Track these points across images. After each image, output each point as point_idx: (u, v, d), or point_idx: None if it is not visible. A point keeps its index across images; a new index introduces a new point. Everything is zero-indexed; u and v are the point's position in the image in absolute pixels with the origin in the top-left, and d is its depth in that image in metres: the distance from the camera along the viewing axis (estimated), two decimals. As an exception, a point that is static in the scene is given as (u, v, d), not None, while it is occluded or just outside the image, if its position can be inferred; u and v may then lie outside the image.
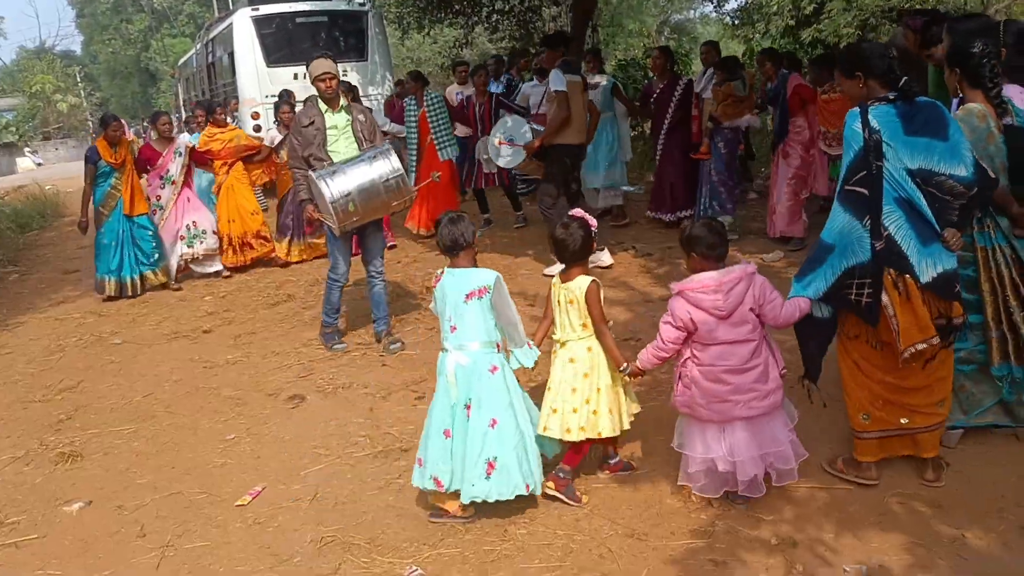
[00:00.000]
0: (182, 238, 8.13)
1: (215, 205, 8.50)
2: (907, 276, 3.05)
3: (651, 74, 10.23)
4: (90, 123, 48.89)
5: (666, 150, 8.08)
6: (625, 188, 8.88)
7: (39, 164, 39.27)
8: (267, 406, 4.92)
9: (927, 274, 3.05)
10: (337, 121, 5.45)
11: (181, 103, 21.81)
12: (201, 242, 8.21)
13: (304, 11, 14.51)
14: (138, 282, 7.92)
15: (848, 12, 12.74)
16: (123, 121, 7.96)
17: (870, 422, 3.30)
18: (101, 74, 58.49)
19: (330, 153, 5.42)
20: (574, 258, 3.43)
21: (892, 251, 3.05)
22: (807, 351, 3.39)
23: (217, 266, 8.41)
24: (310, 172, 5.30)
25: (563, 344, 3.45)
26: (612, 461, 3.67)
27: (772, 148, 7.44)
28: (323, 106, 5.43)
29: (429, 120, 8.55)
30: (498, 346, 3.44)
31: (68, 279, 9.37)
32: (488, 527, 3.37)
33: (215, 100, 14.78)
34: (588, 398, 3.39)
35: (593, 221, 3.48)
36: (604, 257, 7.11)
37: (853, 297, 3.12)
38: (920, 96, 3.14)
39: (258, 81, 13.15)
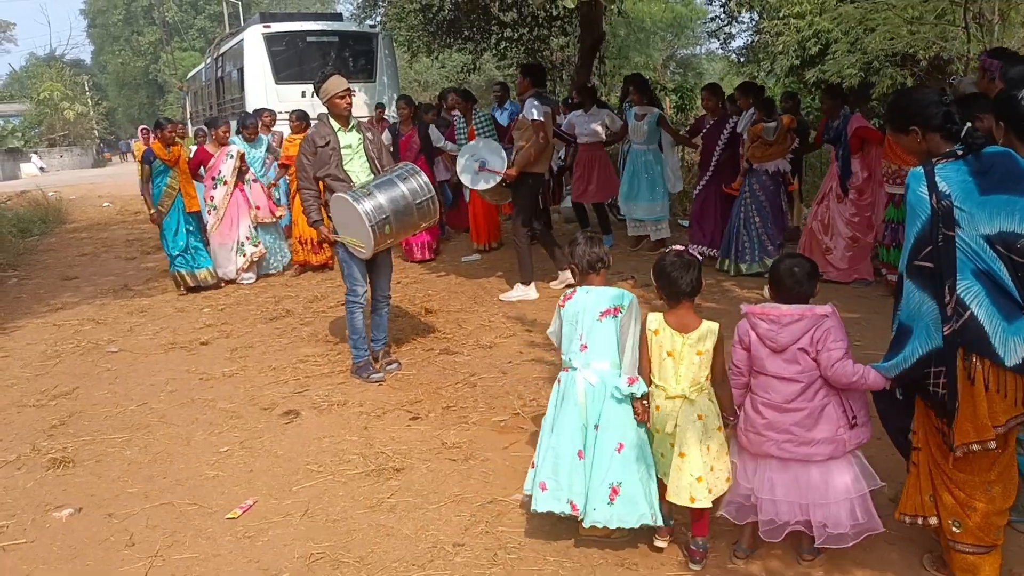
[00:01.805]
0: (248, 239, 8.62)
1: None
2: (987, 361, 2.64)
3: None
4: (96, 132, 49.15)
5: (708, 187, 8.11)
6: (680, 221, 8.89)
7: (42, 169, 39.41)
8: (261, 420, 4.92)
9: (1014, 356, 2.61)
10: (351, 140, 5.40)
11: (188, 116, 21.97)
12: (257, 245, 8.75)
13: (315, 30, 14.72)
14: (211, 272, 8.50)
15: (852, 54, 12.92)
16: (174, 123, 8.67)
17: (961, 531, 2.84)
18: (109, 84, 58.94)
19: (347, 173, 5.35)
20: (686, 295, 3.16)
21: (973, 332, 2.63)
22: (888, 431, 3.14)
23: (251, 276, 8.83)
24: (342, 194, 5.15)
25: (687, 400, 3.13)
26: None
27: (841, 187, 7.18)
28: (335, 125, 5.37)
29: (477, 137, 8.60)
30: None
31: (67, 285, 9.39)
32: (478, 550, 3.36)
33: (222, 115, 14.91)
34: (727, 453, 3.18)
35: (697, 255, 3.27)
36: (566, 277, 7.31)
37: (931, 387, 2.75)
38: (988, 146, 2.73)
39: (266, 97, 13.27)
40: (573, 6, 4.90)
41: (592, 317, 3.27)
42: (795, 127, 7.79)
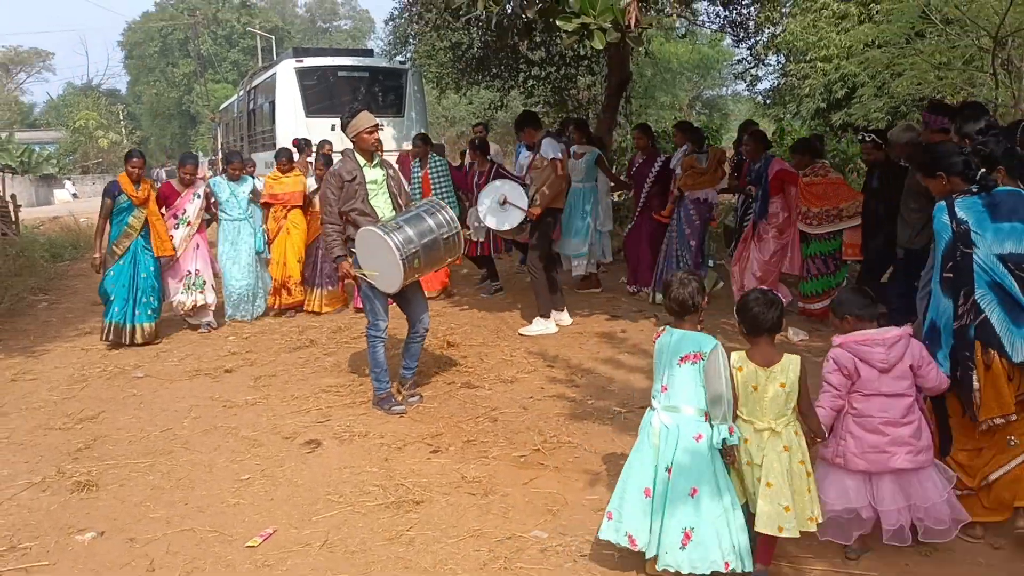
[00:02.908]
0: (190, 276, 7.91)
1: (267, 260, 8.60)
2: (997, 354, 3.32)
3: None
4: (128, 160, 50.05)
5: (637, 223, 8.46)
6: (603, 260, 9.23)
7: (74, 195, 40.12)
8: (283, 449, 4.95)
9: (1021, 353, 3.31)
10: (376, 175, 5.45)
11: (220, 147, 22.38)
12: (201, 292, 7.99)
13: (346, 65, 14.98)
14: (147, 329, 7.61)
15: (879, 98, 12.94)
16: (145, 159, 7.85)
17: None
18: (143, 114, 60.16)
19: (373, 208, 5.38)
20: (767, 331, 3.26)
21: (988, 332, 3.31)
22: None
23: (209, 319, 8.18)
24: (371, 227, 5.18)
25: (774, 432, 3.19)
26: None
27: (753, 226, 7.39)
28: (361, 160, 5.42)
29: (431, 182, 8.77)
30: (707, 415, 3.22)
31: (96, 310, 9.45)
32: (496, 586, 3.36)
33: (252, 147, 15.12)
34: (810, 487, 3.20)
35: (787, 295, 3.42)
36: (564, 318, 7.46)
37: (958, 374, 3.38)
38: (998, 187, 3.39)
39: (296, 130, 13.49)
40: (601, 46, 4.96)
41: (672, 360, 3.29)
42: (725, 160, 8.15)
